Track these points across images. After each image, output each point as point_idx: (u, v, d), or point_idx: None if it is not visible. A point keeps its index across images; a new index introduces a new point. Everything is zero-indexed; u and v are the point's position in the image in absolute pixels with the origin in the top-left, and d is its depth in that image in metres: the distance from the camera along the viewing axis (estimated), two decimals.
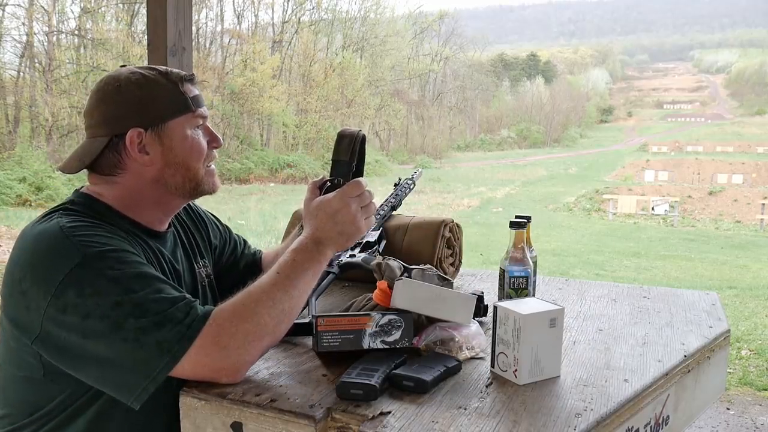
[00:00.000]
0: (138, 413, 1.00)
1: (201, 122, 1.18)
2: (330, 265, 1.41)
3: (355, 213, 1.11)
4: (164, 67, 1.17)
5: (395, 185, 1.71)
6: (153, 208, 1.18)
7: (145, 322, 0.95)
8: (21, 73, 21.90)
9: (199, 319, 0.97)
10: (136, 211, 1.16)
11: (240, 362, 0.99)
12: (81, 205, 1.12)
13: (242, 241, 1.51)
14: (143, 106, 1.12)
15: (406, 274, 1.25)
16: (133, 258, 1.02)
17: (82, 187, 1.19)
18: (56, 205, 1.13)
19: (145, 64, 1.46)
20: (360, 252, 1.48)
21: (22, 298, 0.99)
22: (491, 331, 1.09)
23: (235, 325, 0.98)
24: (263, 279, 1.05)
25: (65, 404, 1.05)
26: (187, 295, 1.02)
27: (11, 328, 1.03)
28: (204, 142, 1.18)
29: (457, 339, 1.14)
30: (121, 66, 1.18)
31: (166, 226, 1.25)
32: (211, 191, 1.23)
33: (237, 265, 1.45)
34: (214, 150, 1.22)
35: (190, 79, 1.18)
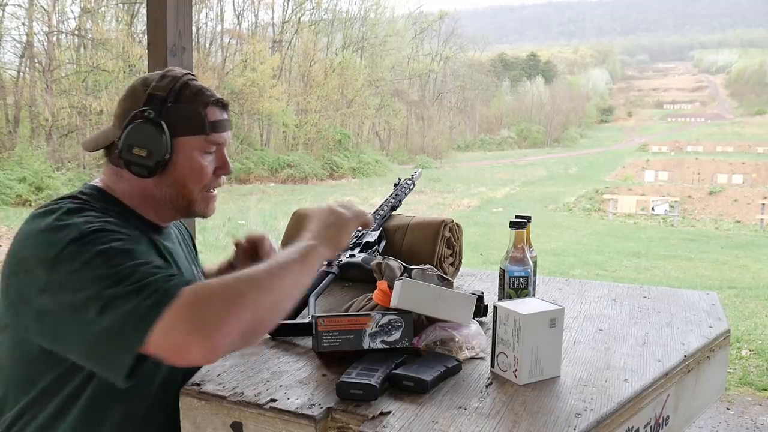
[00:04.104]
0: (137, 408, 1.00)
1: (213, 148, 1.17)
2: (330, 265, 1.41)
3: (333, 206, 1.15)
4: (199, 85, 1.17)
5: (395, 185, 1.71)
6: (154, 208, 1.19)
7: (122, 290, 0.92)
8: (21, 73, 21.89)
9: (175, 287, 0.92)
10: (142, 207, 1.17)
11: (213, 337, 0.90)
12: (90, 195, 1.13)
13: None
14: (165, 118, 1.12)
15: (406, 274, 1.25)
16: (126, 237, 1.02)
17: (93, 180, 1.20)
18: (66, 194, 1.14)
19: (146, 64, 1.46)
20: (360, 252, 1.48)
21: (24, 276, 1.00)
22: (491, 331, 1.09)
23: (212, 298, 0.92)
24: (253, 268, 1.01)
25: (59, 384, 1.04)
26: (175, 272, 0.99)
27: (10, 308, 1.03)
28: (208, 168, 1.17)
29: (457, 339, 1.14)
30: (175, 69, 1.19)
31: (167, 224, 1.26)
32: (203, 215, 1.22)
33: None
34: (222, 177, 1.21)
35: (218, 102, 1.17)
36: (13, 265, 1.01)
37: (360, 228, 1.43)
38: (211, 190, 1.21)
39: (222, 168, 1.20)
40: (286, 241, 1.60)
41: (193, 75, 1.20)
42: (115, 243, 0.99)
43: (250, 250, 1.36)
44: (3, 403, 1.09)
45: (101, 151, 1.18)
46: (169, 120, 1.11)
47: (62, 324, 0.95)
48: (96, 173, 19.12)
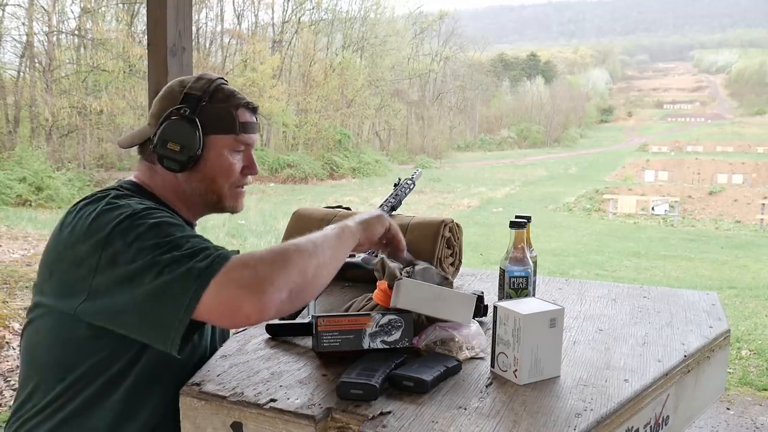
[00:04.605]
0: (174, 396, 1.02)
1: (242, 148, 1.23)
2: None
3: (385, 217, 1.25)
4: (232, 88, 1.24)
5: (395, 185, 1.71)
6: (185, 203, 1.24)
7: (177, 255, 0.97)
8: (21, 73, 21.89)
9: (228, 253, 0.99)
10: (174, 202, 1.23)
11: (265, 292, 0.95)
12: (129, 189, 1.18)
13: None
14: (199, 116, 1.18)
15: (409, 269, 1.25)
16: (174, 217, 1.09)
17: (127, 177, 1.25)
18: (108, 186, 1.20)
19: (145, 64, 1.49)
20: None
21: (73, 262, 1.03)
22: (491, 331, 1.09)
23: (262, 259, 0.98)
24: (294, 239, 1.07)
25: (100, 369, 1.06)
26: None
27: (53, 302, 1.06)
28: (237, 166, 1.23)
29: (457, 339, 1.14)
30: (213, 74, 1.25)
31: (196, 222, 1.32)
32: (232, 210, 1.28)
33: None
34: (249, 176, 1.27)
35: (248, 105, 1.24)
36: (61, 251, 1.05)
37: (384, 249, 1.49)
38: (240, 188, 1.26)
39: (249, 168, 1.26)
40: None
41: (225, 80, 1.26)
42: (166, 218, 1.05)
43: None
44: (34, 389, 1.10)
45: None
46: (203, 118, 1.18)
47: (118, 294, 0.98)
48: (96, 173, 19.16)
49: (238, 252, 1.00)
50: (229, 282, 0.94)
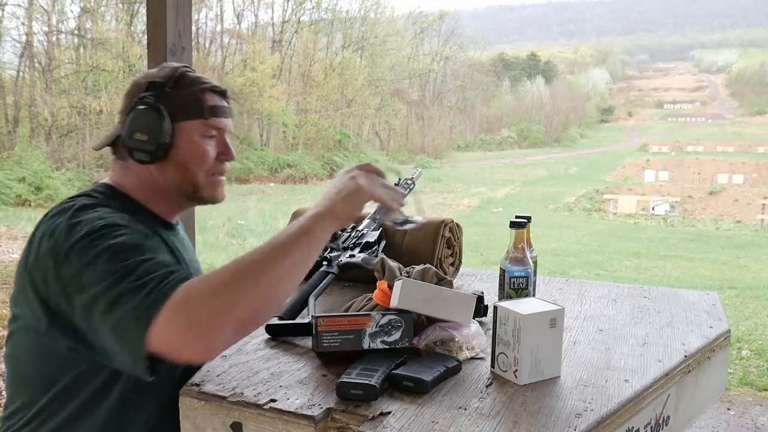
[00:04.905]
0: (171, 402, 1.01)
1: (214, 133, 1.19)
2: (330, 265, 1.41)
3: (353, 173, 1.07)
4: (198, 74, 1.21)
5: (395, 185, 1.71)
6: (163, 198, 1.20)
7: (125, 287, 0.92)
8: (20, 73, 21.89)
9: (172, 285, 0.91)
10: (151, 201, 1.19)
11: (206, 338, 0.88)
12: (102, 194, 1.15)
13: None
14: (164, 103, 1.15)
15: (405, 275, 1.25)
16: (136, 233, 1.02)
17: (103, 179, 1.22)
18: (79, 192, 1.16)
19: (145, 64, 1.48)
20: (360, 252, 1.48)
21: (38, 279, 1.01)
22: (491, 331, 1.09)
23: (205, 296, 0.89)
24: (253, 250, 0.97)
25: (83, 381, 1.04)
26: (177, 267, 0.98)
27: (27, 316, 1.04)
28: (211, 152, 1.18)
29: (457, 339, 1.14)
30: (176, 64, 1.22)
31: (176, 219, 1.27)
32: (212, 200, 1.23)
33: None
34: (226, 162, 1.22)
35: (215, 89, 1.20)
36: (29, 265, 1.03)
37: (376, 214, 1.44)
38: (217, 176, 1.22)
39: (224, 153, 1.21)
40: None
41: (192, 68, 1.22)
42: (124, 237, 0.99)
43: None
44: (21, 400, 1.08)
45: (103, 153, 1.19)
46: (169, 105, 1.14)
47: (79, 319, 0.96)
48: (96, 173, 19.14)
49: (186, 279, 0.92)
50: (169, 324, 0.88)
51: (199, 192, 1.20)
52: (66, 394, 1.05)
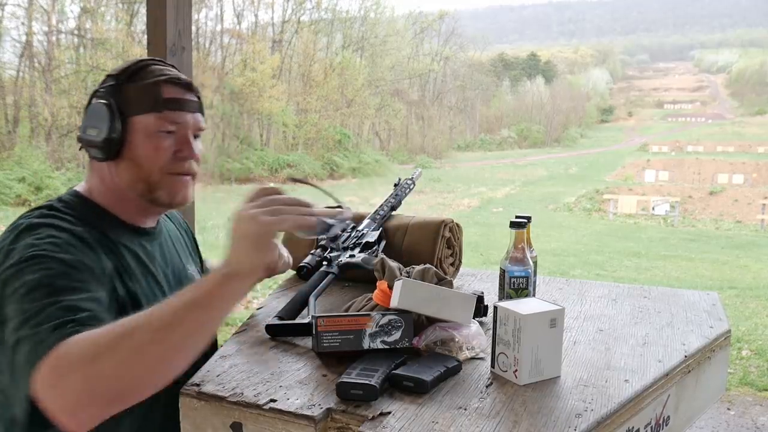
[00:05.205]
0: (153, 413, 1.02)
1: (171, 128, 1.10)
2: (330, 265, 1.41)
3: (250, 212, 0.89)
4: (162, 66, 1.14)
5: (395, 185, 1.71)
6: (126, 203, 1.14)
7: (24, 332, 0.87)
8: (20, 73, 21.89)
9: (55, 339, 0.83)
10: (117, 206, 1.14)
11: (72, 408, 0.80)
12: (67, 204, 1.10)
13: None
14: (115, 96, 1.10)
15: (405, 275, 1.25)
16: (62, 265, 0.95)
17: (79, 184, 1.18)
18: (43, 203, 1.12)
19: None
20: (360, 252, 1.48)
21: None
22: (491, 331, 1.09)
23: (85, 357, 0.81)
24: (150, 310, 0.86)
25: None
26: (82, 314, 0.89)
27: None
28: (167, 149, 1.10)
29: (457, 339, 1.14)
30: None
31: (154, 223, 1.21)
32: (170, 202, 1.14)
33: None
34: (191, 161, 1.13)
35: (176, 80, 1.12)
36: None
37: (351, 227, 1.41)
38: (179, 176, 1.13)
39: (182, 150, 1.12)
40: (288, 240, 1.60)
41: (161, 60, 1.15)
42: (41, 274, 0.93)
43: None
44: (8, 417, 1.04)
45: None
46: (121, 98, 1.08)
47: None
48: None
49: (74, 332, 0.84)
50: (44, 389, 0.81)
51: (154, 192, 1.11)
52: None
